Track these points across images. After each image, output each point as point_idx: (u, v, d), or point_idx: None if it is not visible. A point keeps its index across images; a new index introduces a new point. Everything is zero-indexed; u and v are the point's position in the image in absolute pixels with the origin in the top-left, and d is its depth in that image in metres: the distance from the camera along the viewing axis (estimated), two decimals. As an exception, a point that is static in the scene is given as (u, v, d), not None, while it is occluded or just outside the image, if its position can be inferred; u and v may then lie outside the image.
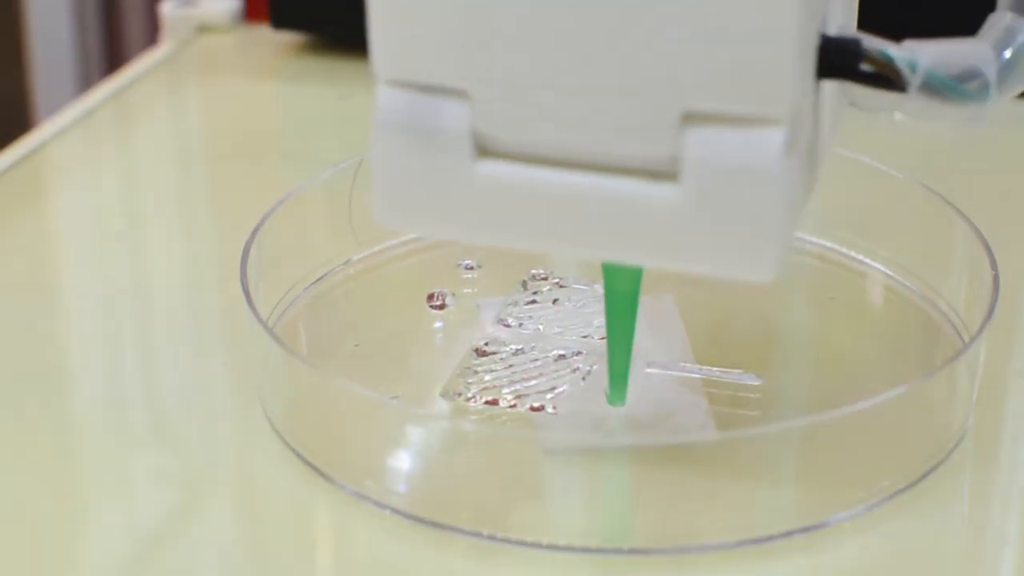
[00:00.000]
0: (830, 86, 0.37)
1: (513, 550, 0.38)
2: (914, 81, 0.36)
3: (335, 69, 0.67)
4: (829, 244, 0.50)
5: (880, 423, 0.40)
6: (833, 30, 0.37)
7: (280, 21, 0.68)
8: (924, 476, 0.41)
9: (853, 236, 0.50)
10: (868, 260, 0.50)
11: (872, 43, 0.36)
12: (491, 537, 0.39)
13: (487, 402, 0.43)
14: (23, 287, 0.51)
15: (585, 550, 0.38)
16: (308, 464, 0.41)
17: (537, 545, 0.38)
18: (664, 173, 0.36)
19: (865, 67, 0.36)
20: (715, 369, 0.44)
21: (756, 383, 0.43)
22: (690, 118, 0.35)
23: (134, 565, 0.39)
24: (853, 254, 0.50)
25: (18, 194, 0.57)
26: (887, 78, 0.36)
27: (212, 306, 0.50)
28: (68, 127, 0.62)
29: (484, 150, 0.37)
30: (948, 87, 0.36)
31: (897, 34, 0.37)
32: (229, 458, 0.43)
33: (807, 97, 0.36)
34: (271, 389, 0.43)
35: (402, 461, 0.41)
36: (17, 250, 0.53)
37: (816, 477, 0.40)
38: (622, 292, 0.41)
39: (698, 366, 0.44)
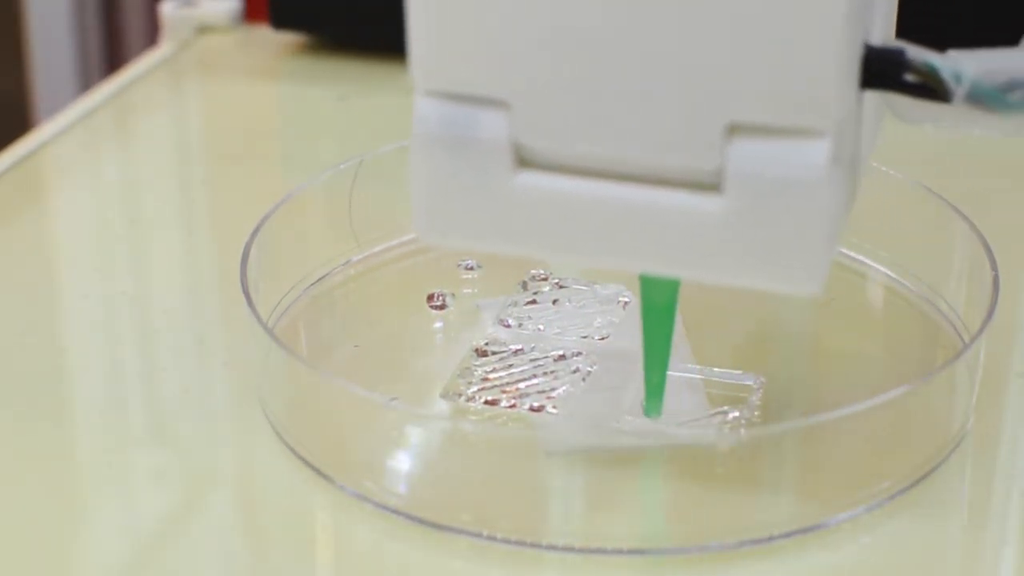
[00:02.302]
0: (870, 96, 0.37)
1: (513, 550, 0.38)
2: (959, 92, 0.35)
3: (335, 69, 0.67)
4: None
5: (880, 423, 0.40)
6: (876, 40, 0.36)
7: (280, 21, 0.68)
8: (924, 476, 0.41)
9: (853, 236, 0.50)
10: (868, 261, 0.50)
11: (916, 53, 0.36)
12: (491, 537, 0.39)
13: (487, 402, 0.43)
14: (23, 287, 0.51)
15: (585, 551, 0.38)
16: (308, 464, 0.41)
17: (537, 545, 0.38)
18: (708, 185, 0.35)
19: (909, 77, 0.36)
20: (715, 369, 0.44)
21: (756, 383, 0.43)
22: (735, 130, 0.35)
23: (134, 565, 0.39)
24: (853, 255, 0.50)
25: (18, 194, 0.57)
26: (931, 89, 0.35)
27: (212, 306, 0.50)
28: (68, 127, 0.62)
29: (524, 161, 0.36)
30: (993, 97, 0.36)
31: (938, 44, 0.37)
32: (229, 458, 0.43)
33: (852, 108, 0.35)
34: (271, 389, 0.43)
35: (402, 462, 0.41)
36: (17, 250, 0.53)
37: (816, 477, 0.40)
38: (659, 304, 0.40)
39: (698, 366, 0.44)
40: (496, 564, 0.38)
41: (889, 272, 0.49)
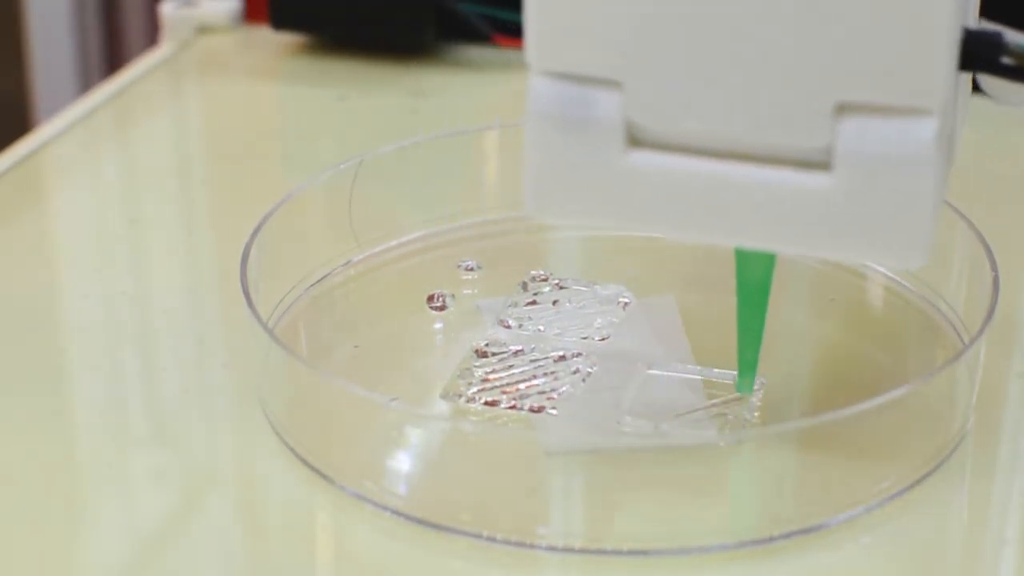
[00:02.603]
0: (962, 78, 0.38)
1: (513, 550, 0.38)
2: None
3: (335, 70, 0.67)
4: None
5: (880, 423, 0.40)
6: (972, 23, 0.37)
7: (280, 22, 0.68)
8: (924, 477, 0.41)
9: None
10: (868, 261, 0.50)
11: (1014, 37, 0.37)
12: (491, 537, 0.39)
13: (487, 403, 0.43)
14: (23, 287, 0.51)
15: (585, 551, 0.38)
16: (308, 464, 0.41)
17: (537, 546, 0.38)
18: (817, 163, 0.36)
19: (1006, 60, 0.37)
20: (715, 369, 0.44)
21: (756, 383, 0.43)
22: (844, 109, 0.36)
23: (134, 565, 0.39)
24: (853, 254, 0.50)
25: (18, 194, 0.57)
26: None
27: (212, 306, 0.50)
28: (68, 127, 0.62)
29: (636, 140, 0.37)
30: None
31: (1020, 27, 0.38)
32: (229, 458, 0.43)
33: (953, 88, 0.36)
34: (271, 389, 0.43)
35: (402, 462, 0.41)
36: (17, 250, 0.53)
37: (816, 477, 0.40)
38: (755, 280, 0.41)
39: (698, 366, 0.44)
40: (496, 564, 0.38)
41: (889, 272, 0.49)
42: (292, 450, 0.42)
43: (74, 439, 0.44)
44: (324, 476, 0.41)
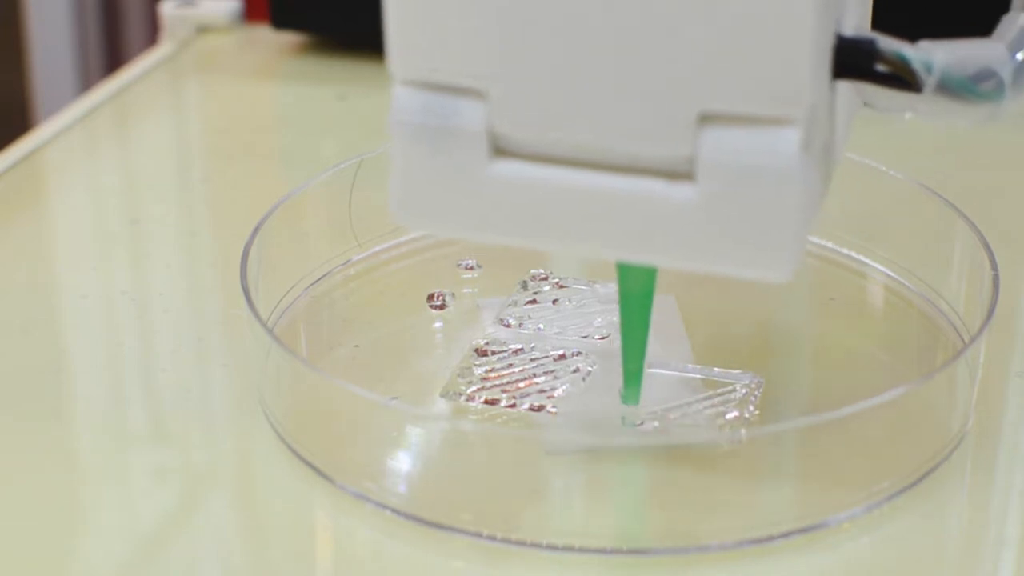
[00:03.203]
0: (844, 86, 0.37)
1: (513, 550, 0.38)
2: (929, 82, 0.36)
3: (335, 69, 0.67)
4: (829, 244, 0.50)
5: (880, 423, 0.40)
6: (848, 30, 0.37)
7: (280, 21, 0.68)
8: (924, 476, 0.41)
9: (853, 236, 0.50)
10: (868, 260, 0.50)
11: (887, 44, 0.36)
12: (491, 537, 0.39)
13: (487, 402, 0.43)
14: (23, 287, 0.51)
15: (585, 550, 0.38)
16: (308, 464, 0.41)
17: (537, 545, 0.38)
18: (681, 173, 0.36)
19: (881, 68, 0.36)
20: (715, 369, 0.44)
21: (756, 383, 0.43)
22: (707, 119, 0.35)
23: (134, 565, 0.39)
24: (853, 254, 0.50)
25: (18, 194, 0.57)
26: (902, 79, 0.36)
27: (212, 306, 0.50)
28: (68, 127, 0.62)
29: (500, 150, 0.37)
30: (963, 87, 0.36)
31: (910, 35, 0.37)
32: (229, 458, 0.43)
33: (823, 97, 0.36)
34: (271, 390, 0.43)
35: (402, 462, 0.41)
36: (17, 250, 0.53)
37: (816, 477, 0.40)
38: (636, 292, 0.41)
39: (698, 366, 0.44)
40: (496, 564, 0.38)
41: (889, 272, 0.49)
42: (292, 450, 0.42)
43: (74, 439, 0.44)
44: (324, 476, 0.41)
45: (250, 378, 0.45)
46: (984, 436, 0.43)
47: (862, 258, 0.50)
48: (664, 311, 0.47)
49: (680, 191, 0.36)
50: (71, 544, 0.40)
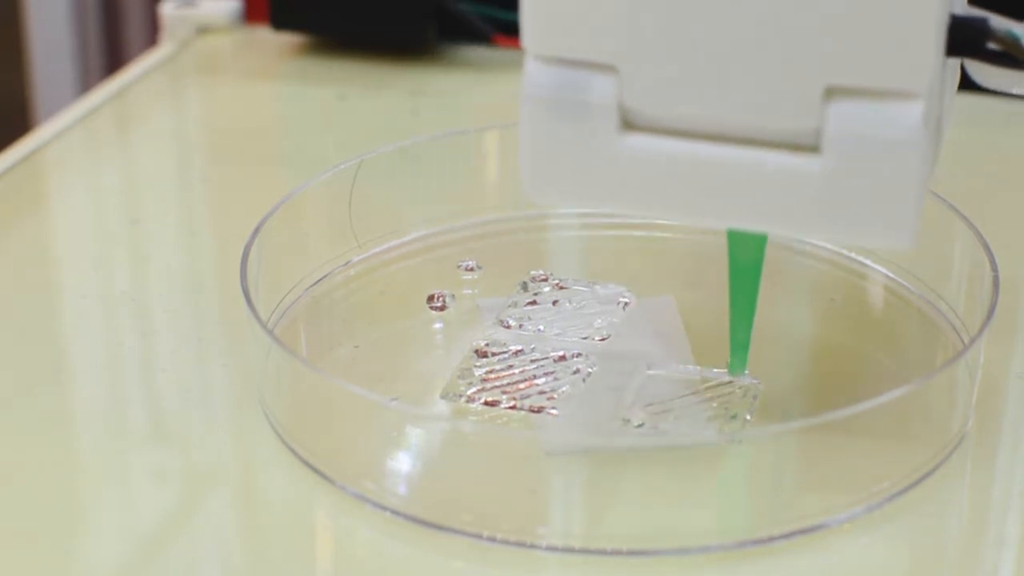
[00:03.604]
0: (950, 63, 0.38)
1: (513, 551, 0.38)
2: None
3: (335, 70, 0.67)
4: (829, 245, 0.50)
5: (880, 423, 0.40)
6: (958, 9, 0.38)
7: (280, 22, 0.68)
8: (924, 477, 0.41)
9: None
10: (868, 261, 0.50)
11: (999, 22, 0.37)
12: (491, 538, 0.39)
13: (487, 403, 0.43)
14: (23, 287, 0.51)
15: (585, 551, 0.38)
16: (308, 465, 0.41)
17: (537, 546, 0.38)
18: (807, 146, 0.37)
19: (992, 46, 0.37)
20: (715, 369, 0.44)
21: (756, 383, 0.43)
22: (833, 92, 0.36)
23: (134, 565, 0.39)
24: (853, 255, 0.50)
25: (18, 194, 0.57)
26: (1013, 57, 0.37)
27: (212, 306, 0.50)
28: (68, 127, 0.62)
29: (630, 123, 0.38)
30: None
31: (1016, 14, 0.38)
32: (229, 458, 0.43)
33: (939, 74, 0.37)
34: (271, 390, 0.43)
35: (402, 462, 0.41)
36: (17, 250, 0.53)
37: (816, 477, 0.40)
38: (747, 261, 0.42)
39: (698, 366, 0.44)
40: (496, 564, 0.38)
41: (889, 272, 0.49)
42: (292, 450, 0.42)
43: (74, 439, 0.44)
44: (324, 476, 0.41)
45: (250, 378, 0.45)
46: (984, 436, 0.43)
47: (862, 259, 0.50)
48: (664, 311, 0.47)
49: (806, 162, 0.37)
50: (71, 544, 0.40)
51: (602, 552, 0.38)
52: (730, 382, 0.43)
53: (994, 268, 0.45)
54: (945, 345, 0.47)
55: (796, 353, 0.47)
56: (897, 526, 0.39)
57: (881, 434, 0.40)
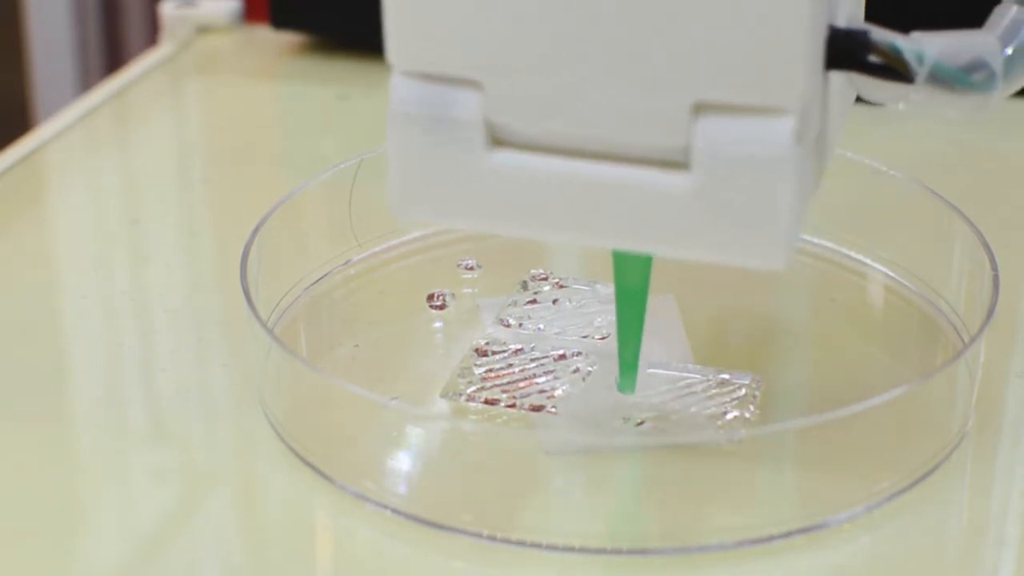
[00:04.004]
0: (838, 79, 0.37)
1: (513, 550, 0.38)
2: (921, 72, 0.36)
3: (335, 69, 0.67)
4: (829, 244, 0.50)
5: (880, 423, 0.40)
6: (842, 22, 0.37)
7: (280, 21, 0.68)
8: (924, 476, 0.41)
9: (853, 236, 0.50)
10: (868, 260, 0.50)
11: (880, 35, 0.36)
12: (491, 537, 0.39)
13: (487, 402, 0.43)
14: (23, 287, 0.51)
15: (585, 550, 0.38)
16: (308, 464, 0.41)
17: (537, 545, 0.38)
18: (676, 162, 0.36)
19: (873, 58, 0.36)
20: (715, 369, 0.44)
21: (756, 383, 0.43)
22: (701, 108, 0.35)
23: (134, 565, 0.39)
24: (853, 254, 0.50)
25: (18, 194, 0.57)
26: (895, 69, 0.36)
27: (212, 306, 0.50)
28: (68, 127, 0.62)
29: (497, 140, 0.37)
30: (955, 78, 0.36)
31: (904, 26, 0.37)
32: (229, 458, 0.43)
33: (816, 88, 0.36)
34: (271, 389, 0.43)
35: (402, 462, 0.41)
36: (17, 250, 0.53)
37: (816, 477, 0.40)
38: (632, 284, 0.41)
39: (698, 366, 0.44)
40: (496, 564, 0.38)
41: (889, 272, 0.49)
42: (292, 450, 0.42)
43: (74, 439, 0.44)
44: (324, 476, 0.41)
45: (250, 378, 0.45)
46: (984, 436, 0.43)
47: (862, 258, 0.50)
48: (664, 311, 0.47)
49: (675, 180, 0.36)
50: (71, 544, 0.40)
51: (602, 552, 0.38)
52: (730, 382, 0.43)
53: (994, 268, 0.45)
54: (945, 345, 0.47)
55: (796, 353, 0.47)
56: (897, 526, 0.39)
57: (881, 434, 0.40)
